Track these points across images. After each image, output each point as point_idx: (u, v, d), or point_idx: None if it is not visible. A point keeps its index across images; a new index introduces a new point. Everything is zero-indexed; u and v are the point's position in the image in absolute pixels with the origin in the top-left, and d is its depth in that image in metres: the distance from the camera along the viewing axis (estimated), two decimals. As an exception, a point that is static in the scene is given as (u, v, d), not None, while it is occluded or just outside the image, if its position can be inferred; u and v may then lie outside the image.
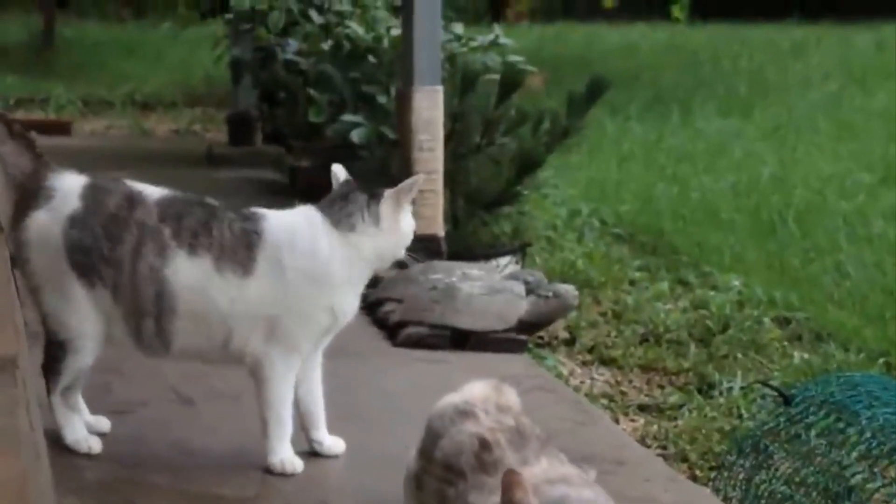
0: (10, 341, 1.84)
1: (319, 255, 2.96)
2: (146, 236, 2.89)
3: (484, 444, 2.32)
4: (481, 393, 2.48)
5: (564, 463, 2.35)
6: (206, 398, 3.48)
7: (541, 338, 5.21)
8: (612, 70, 11.92)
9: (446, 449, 2.37)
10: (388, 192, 3.02)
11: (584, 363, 5.15)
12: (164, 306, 2.89)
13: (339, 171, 3.11)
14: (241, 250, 2.92)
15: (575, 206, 7.69)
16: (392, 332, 4.23)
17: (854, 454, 3.38)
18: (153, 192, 2.96)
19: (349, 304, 3.02)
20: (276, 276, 2.92)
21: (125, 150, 8.72)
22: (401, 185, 3.03)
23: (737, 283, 6.09)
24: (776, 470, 3.57)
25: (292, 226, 2.99)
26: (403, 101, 4.90)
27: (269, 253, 2.93)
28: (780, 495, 3.49)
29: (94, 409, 3.15)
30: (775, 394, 3.67)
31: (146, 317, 2.91)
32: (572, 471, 2.31)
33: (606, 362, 5.15)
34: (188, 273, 2.89)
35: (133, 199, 2.93)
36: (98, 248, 2.87)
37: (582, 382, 4.87)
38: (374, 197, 3.02)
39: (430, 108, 4.82)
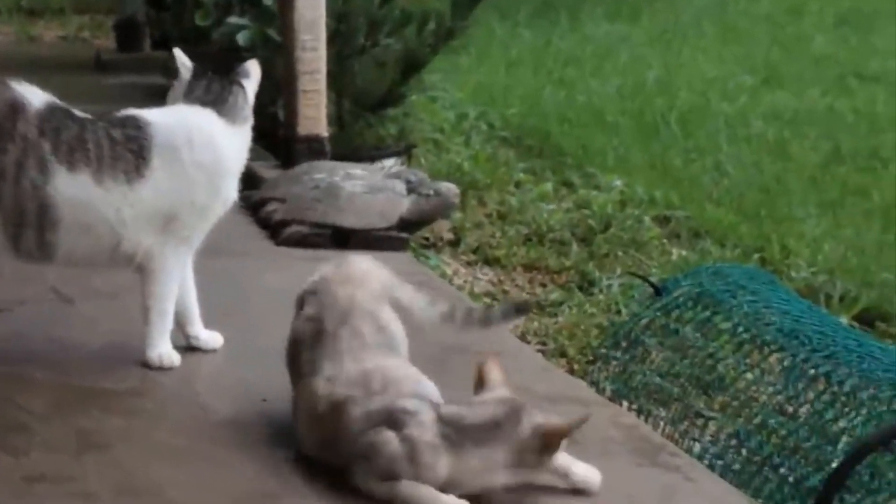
0: None
1: (218, 148, 3.01)
2: (28, 150, 2.88)
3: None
4: (341, 271, 2.70)
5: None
6: (85, 296, 3.49)
7: (426, 239, 5.27)
8: (501, -26, 11.89)
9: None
10: (244, 81, 3.10)
11: (468, 263, 5.22)
12: (46, 220, 2.90)
13: (182, 58, 3.15)
14: (127, 156, 2.94)
15: (463, 109, 7.71)
16: (274, 231, 4.25)
17: (724, 343, 3.49)
18: (34, 99, 2.95)
19: (234, 192, 3.09)
20: (175, 173, 2.96)
21: (11, 57, 8.55)
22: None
23: (619, 183, 6.19)
24: (651, 362, 3.68)
25: (186, 124, 3.03)
26: (286, 1, 4.89)
27: (164, 153, 2.96)
28: (653, 386, 3.59)
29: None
30: (648, 287, 3.77)
31: (27, 228, 2.91)
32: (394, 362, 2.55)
33: (490, 262, 5.23)
34: (69, 189, 2.89)
35: (16, 109, 2.91)
36: None
37: (466, 282, 4.95)
38: (241, 86, 3.09)
39: (312, 7, 4.81)
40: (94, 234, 2.94)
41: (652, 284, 3.67)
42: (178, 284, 3.06)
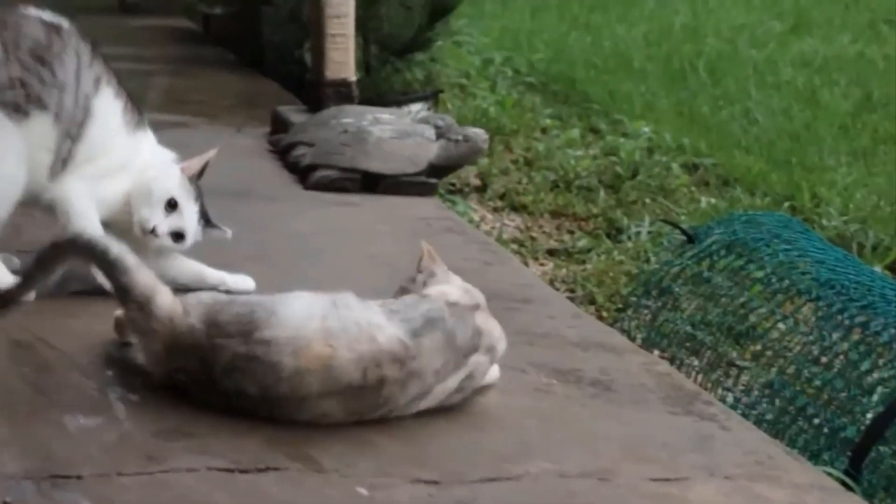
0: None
1: None
2: (82, 63, 2.86)
3: None
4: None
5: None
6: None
7: (452, 184, 5.24)
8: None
9: None
10: None
11: (495, 209, 5.19)
12: (82, 133, 2.87)
13: None
14: None
15: (488, 55, 7.67)
16: (303, 175, 4.22)
17: (755, 291, 3.47)
18: (62, 20, 2.93)
19: None
20: None
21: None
22: None
23: (647, 130, 6.15)
24: (681, 310, 3.66)
25: None
26: (314, -56, 4.84)
27: None
28: (683, 334, 3.57)
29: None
30: (679, 235, 3.74)
31: (69, 140, 2.88)
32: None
33: (517, 208, 5.20)
34: (102, 103, 2.89)
35: (56, 27, 2.89)
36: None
37: (493, 228, 4.92)
38: None
39: (341, -50, 4.76)
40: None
41: (685, 232, 3.64)
42: None
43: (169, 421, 2.29)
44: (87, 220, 2.90)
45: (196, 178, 2.99)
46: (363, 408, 2.29)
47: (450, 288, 2.48)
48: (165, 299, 2.34)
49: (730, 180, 5.57)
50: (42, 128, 2.83)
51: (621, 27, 8.47)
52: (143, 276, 2.35)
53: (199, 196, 3.00)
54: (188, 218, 2.95)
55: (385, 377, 2.26)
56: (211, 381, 2.28)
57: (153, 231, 2.91)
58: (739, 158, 5.79)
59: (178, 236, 2.94)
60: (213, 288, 2.98)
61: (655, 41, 8.11)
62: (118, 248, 2.37)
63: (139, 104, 3.03)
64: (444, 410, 2.44)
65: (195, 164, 2.98)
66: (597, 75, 7.28)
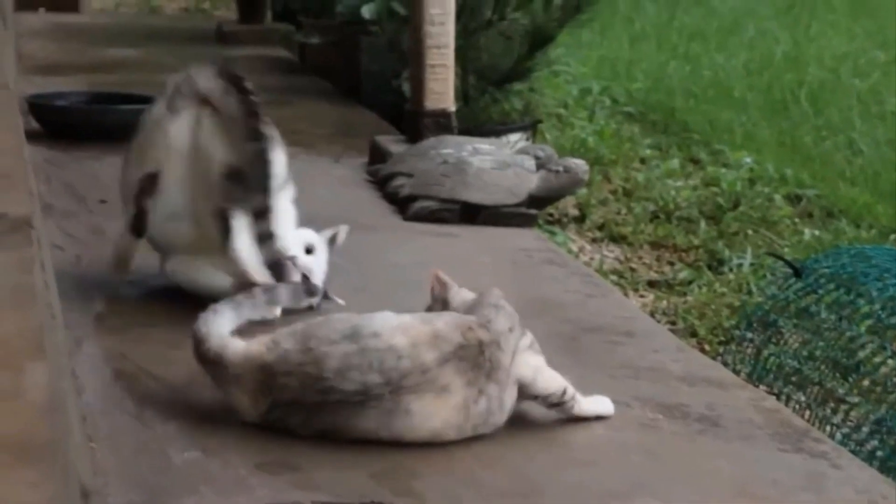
0: (24, 202, 1.84)
1: None
2: None
3: None
4: None
5: None
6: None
7: (550, 215, 5.21)
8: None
9: None
10: None
11: (593, 240, 5.15)
12: None
13: None
14: None
15: (586, 84, 7.64)
16: (402, 206, 4.21)
17: (864, 327, 3.39)
18: None
19: None
20: None
21: (134, 28, 8.65)
22: None
23: (748, 160, 6.07)
24: (785, 343, 3.59)
25: None
26: (414, -25, 4.85)
27: None
28: (788, 368, 3.50)
29: None
30: (785, 268, 3.67)
31: None
32: None
33: (616, 239, 5.15)
34: None
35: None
36: None
37: (592, 259, 4.88)
38: None
39: (441, -19, 4.76)
40: None
41: (791, 265, 3.57)
42: None
43: (272, 454, 2.28)
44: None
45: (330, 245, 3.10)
46: (477, 375, 2.36)
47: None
48: (237, 347, 2.40)
49: (834, 212, 5.48)
50: None
51: (721, 56, 8.40)
52: (214, 341, 2.40)
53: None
54: (317, 268, 3.05)
55: (481, 339, 2.38)
56: (321, 396, 2.30)
57: (292, 259, 2.98)
58: (844, 190, 5.70)
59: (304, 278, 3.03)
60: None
61: (756, 70, 8.03)
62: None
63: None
64: (549, 444, 2.41)
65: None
66: (696, 105, 7.22)
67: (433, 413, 2.33)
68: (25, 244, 1.63)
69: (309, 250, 3.08)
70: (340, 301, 3.08)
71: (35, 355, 1.26)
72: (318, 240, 3.13)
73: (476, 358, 2.37)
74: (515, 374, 2.43)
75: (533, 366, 2.48)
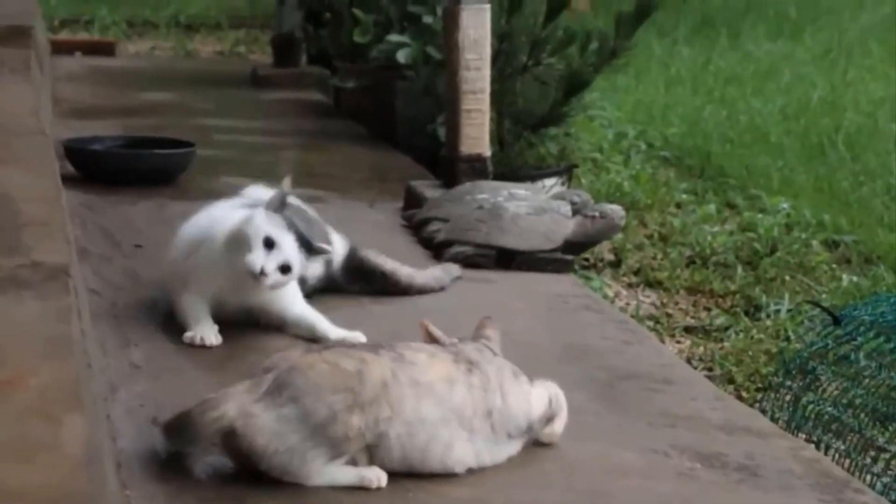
0: (61, 251, 1.84)
1: None
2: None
3: None
4: None
5: None
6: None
7: (586, 260, 5.19)
8: (660, -8, 11.75)
9: None
10: None
11: (629, 285, 5.12)
12: None
13: None
14: None
15: (622, 128, 7.62)
16: (437, 251, 4.21)
17: (904, 375, 3.36)
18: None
19: None
20: None
21: (170, 72, 8.70)
22: None
23: (785, 205, 6.03)
24: (824, 391, 3.55)
25: None
26: (450, 20, 4.85)
27: None
28: (827, 416, 3.47)
29: None
30: (824, 315, 3.64)
31: None
32: None
33: (652, 285, 5.12)
34: None
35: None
36: None
37: (627, 304, 4.85)
38: None
39: (477, 26, 4.77)
40: None
41: (830, 313, 3.54)
42: None
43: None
44: None
45: (279, 209, 3.04)
46: None
47: None
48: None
49: (872, 258, 5.44)
50: None
51: (757, 101, 8.36)
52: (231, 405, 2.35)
53: (292, 224, 3.03)
54: (288, 250, 3.00)
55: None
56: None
57: (262, 272, 2.95)
58: (882, 236, 5.65)
59: (285, 269, 3.00)
60: (322, 338, 3.04)
61: (793, 115, 7.99)
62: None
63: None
64: (588, 496, 2.39)
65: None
66: (733, 150, 7.19)
67: None
68: (62, 293, 1.62)
69: (270, 243, 3.02)
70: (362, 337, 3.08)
71: (72, 406, 1.26)
72: (271, 227, 3.05)
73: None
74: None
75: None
